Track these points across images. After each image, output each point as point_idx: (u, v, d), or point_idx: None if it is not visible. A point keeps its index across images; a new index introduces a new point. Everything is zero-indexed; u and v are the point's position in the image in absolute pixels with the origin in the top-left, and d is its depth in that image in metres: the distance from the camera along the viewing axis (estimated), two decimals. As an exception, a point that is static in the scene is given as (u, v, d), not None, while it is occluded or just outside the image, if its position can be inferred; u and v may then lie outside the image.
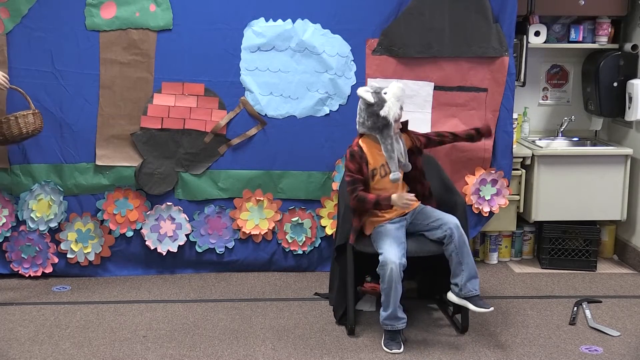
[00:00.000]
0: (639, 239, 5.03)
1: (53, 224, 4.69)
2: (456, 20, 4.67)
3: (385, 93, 3.83)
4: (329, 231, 4.83)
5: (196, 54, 4.65)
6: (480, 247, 5.20)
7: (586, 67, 5.25)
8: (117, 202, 4.74)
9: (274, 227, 4.86)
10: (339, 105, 4.75)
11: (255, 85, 4.71)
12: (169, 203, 4.78)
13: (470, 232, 4.72)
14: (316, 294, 4.53)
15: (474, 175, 4.85)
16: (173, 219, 4.79)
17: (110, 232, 4.78)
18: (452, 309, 4.11)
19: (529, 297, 4.52)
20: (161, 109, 4.69)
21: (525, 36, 4.99)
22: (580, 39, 5.13)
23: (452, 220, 3.85)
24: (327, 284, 4.52)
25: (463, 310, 3.90)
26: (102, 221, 4.76)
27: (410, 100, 4.64)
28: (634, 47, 4.97)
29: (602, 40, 5.09)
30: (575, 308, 4.28)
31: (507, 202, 4.90)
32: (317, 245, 4.90)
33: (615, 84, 5.01)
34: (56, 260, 4.77)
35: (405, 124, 4.02)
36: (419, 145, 4.04)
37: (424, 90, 4.75)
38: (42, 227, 4.69)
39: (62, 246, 4.76)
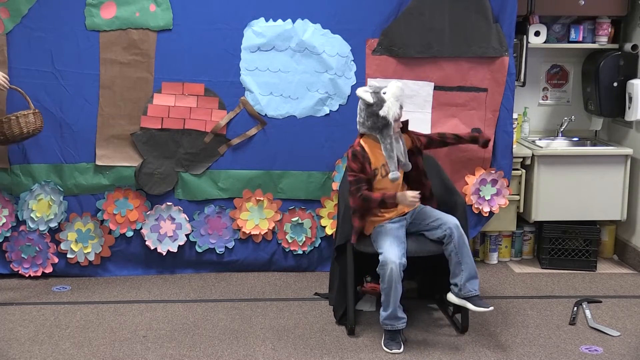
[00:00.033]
0: (639, 239, 5.03)
1: (53, 224, 4.69)
2: (456, 20, 4.67)
3: (384, 93, 3.83)
4: (329, 231, 4.83)
5: (196, 54, 4.65)
6: (480, 247, 5.20)
7: (586, 67, 5.25)
8: (117, 202, 4.74)
9: (274, 227, 4.86)
10: (339, 105, 4.75)
11: (255, 85, 4.71)
12: (169, 203, 4.78)
13: (470, 232, 4.72)
14: (316, 294, 4.53)
15: (474, 175, 4.85)
16: (173, 219, 4.79)
17: (110, 232, 4.78)
18: (452, 309, 4.11)
19: (529, 297, 4.52)
20: (161, 109, 4.69)
21: (525, 36, 4.99)
22: (580, 39, 5.13)
23: (451, 220, 3.86)
24: (327, 284, 4.52)
25: (463, 310, 3.90)
26: (102, 221, 4.77)
27: (410, 100, 4.64)
28: (634, 47, 4.97)
29: (602, 40, 5.09)
30: (575, 308, 4.28)
31: (507, 202, 4.90)
32: (317, 245, 4.90)
33: (615, 84, 5.01)
34: (56, 260, 4.77)
35: (405, 124, 4.02)
36: (419, 146, 4.04)
37: (424, 90, 4.75)
38: (42, 227, 4.69)
39: (62, 246, 4.76)
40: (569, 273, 4.95)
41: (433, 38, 4.68)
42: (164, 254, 4.81)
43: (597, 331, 4.00)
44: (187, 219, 4.80)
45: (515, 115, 4.98)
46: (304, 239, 4.87)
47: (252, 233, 4.83)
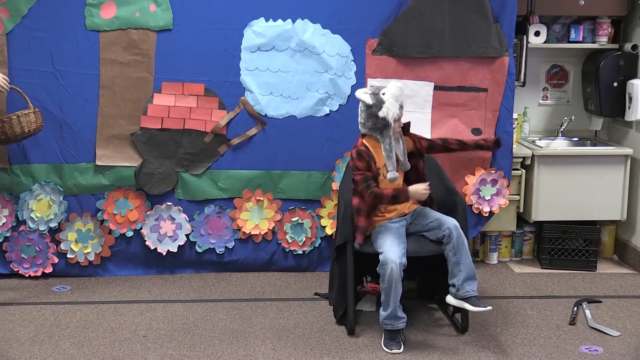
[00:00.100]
0: (639, 239, 5.03)
1: (53, 224, 4.69)
2: (456, 20, 4.67)
3: (383, 94, 3.83)
4: (329, 231, 4.83)
5: (196, 54, 4.65)
6: (480, 247, 5.20)
7: (586, 67, 5.25)
8: (117, 202, 4.74)
9: (274, 227, 4.86)
10: (339, 105, 4.75)
11: (255, 85, 4.71)
12: (169, 203, 4.78)
13: (470, 232, 4.72)
14: (316, 294, 4.52)
15: (474, 175, 4.85)
16: (173, 219, 4.79)
17: (110, 232, 4.78)
18: (452, 309, 4.11)
19: (529, 297, 4.52)
20: (161, 109, 4.69)
21: (525, 36, 4.99)
22: (580, 39, 5.13)
23: (451, 221, 3.86)
24: (327, 284, 4.52)
25: (463, 310, 3.89)
26: (102, 221, 4.77)
27: (410, 100, 4.64)
28: (634, 47, 4.97)
29: (602, 40, 5.09)
30: (575, 308, 4.28)
31: (507, 202, 4.90)
32: (317, 245, 4.90)
33: (615, 84, 5.01)
34: (56, 260, 4.77)
35: (407, 126, 4.01)
36: (420, 149, 4.04)
37: (424, 90, 4.75)
38: (42, 227, 4.69)
39: (62, 246, 4.76)
40: (569, 273, 4.95)
41: (433, 38, 4.68)
42: (164, 254, 4.81)
43: (597, 331, 4.00)
44: (187, 219, 4.80)
45: (515, 115, 4.98)
46: (304, 239, 4.87)
47: (252, 233, 4.83)
